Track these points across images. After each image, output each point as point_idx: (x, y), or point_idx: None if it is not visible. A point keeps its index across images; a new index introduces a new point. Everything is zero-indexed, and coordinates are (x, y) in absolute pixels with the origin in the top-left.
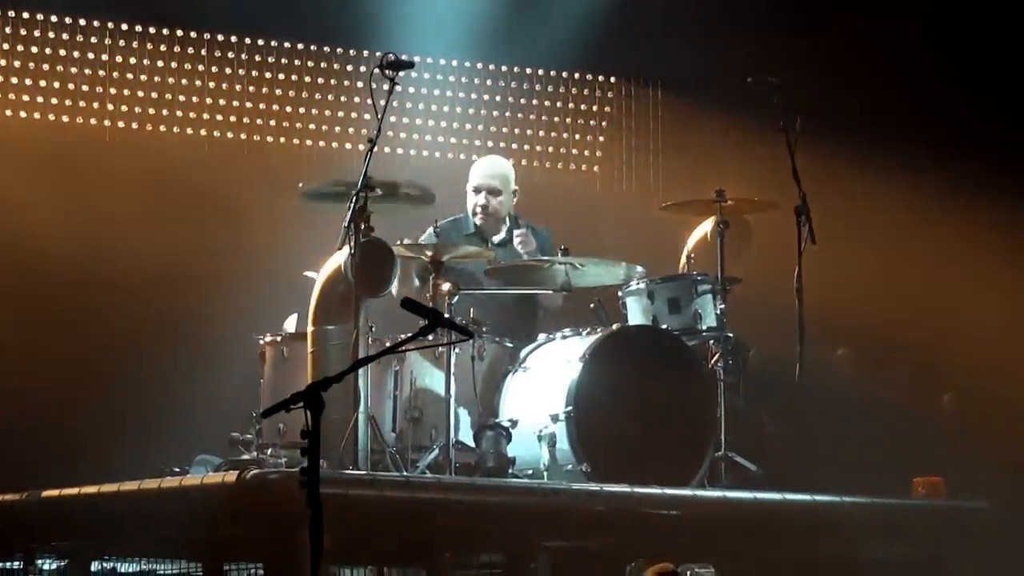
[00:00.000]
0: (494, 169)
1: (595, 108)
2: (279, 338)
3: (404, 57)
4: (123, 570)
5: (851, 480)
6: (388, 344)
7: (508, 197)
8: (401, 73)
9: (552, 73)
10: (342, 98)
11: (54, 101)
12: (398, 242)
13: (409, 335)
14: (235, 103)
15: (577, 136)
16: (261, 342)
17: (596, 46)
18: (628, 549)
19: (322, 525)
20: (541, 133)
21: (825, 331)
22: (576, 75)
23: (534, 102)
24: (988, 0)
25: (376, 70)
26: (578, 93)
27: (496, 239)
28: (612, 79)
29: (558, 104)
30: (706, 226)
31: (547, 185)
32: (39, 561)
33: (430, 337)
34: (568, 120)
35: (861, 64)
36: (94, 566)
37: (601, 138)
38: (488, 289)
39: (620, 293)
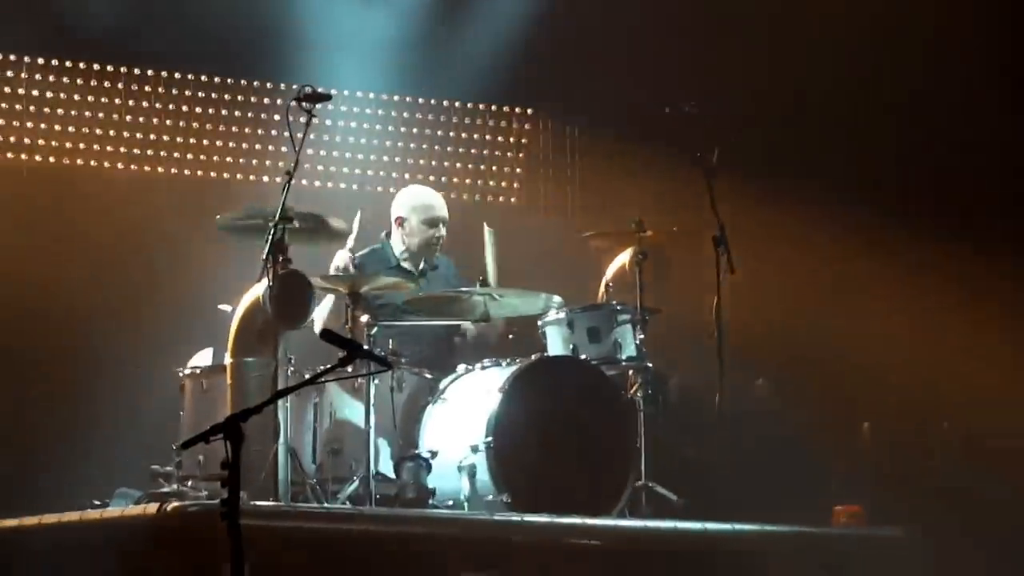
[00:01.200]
0: (441, 199)
1: (512, 139)
2: (198, 371)
3: (321, 90)
4: None
5: (772, 509)
6: (308, 376)
7: None
8: (319, 105)
9: (469, 105)
10: (259, 131)
11: None
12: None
13: (328, 367)
14: (152, 136)
15: (495, 167)
16: (181, 375)
17: (513, 78)
18: None
19: (243, 556)
20: (459, 165)
21: (745, 360)
22: (493, 107)
23: (451, 134)
24: (905, 20)
25: (293, 102)
26: (495, 125)
27: (419, 270)
28: (529, 111)
29: (475, 136)
30: (624, 256)
31: (465, 216)
32: None
33: (349, 368)
34: (485, 152)
35: (778, 92)
36: None
37: (519, 169)
38: (406, 320)
39: (539, 323)
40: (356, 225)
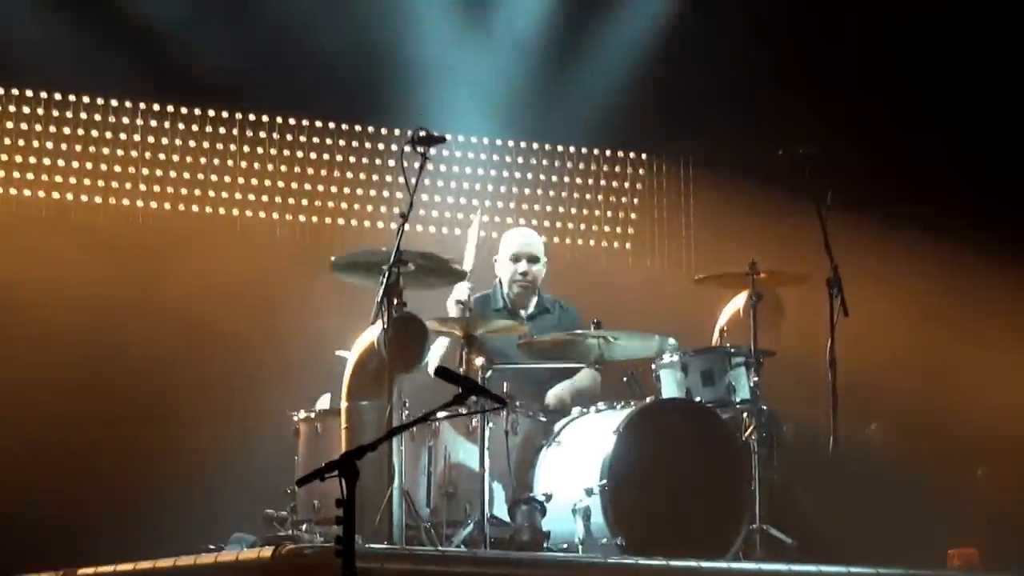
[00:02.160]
0: (530, 237)
1: (626, 184)
2: (313, 414)
3: (435, 133)
4: None
5: (886, 552)
6: None
7: (542, 266)
8: (432, 149)
9: (583, 150)
10: (374, 176)
11: (87, 182)
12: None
13: (443, 404)
14: (267, 182)
15: (609, 213)
16: (295, 419)
17: (626, 122)
18: None
19: None
20: (572, 210)
21: (858, 403)
22: (607, 152)
23: (565, 179)
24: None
25: (408, 145)
26: (609, 170)
27: (526, 313)
28: (643, 155)
29: (589, 181)
30: (738, 300)
31: (579, 262)
32: None
33: (464, 410)
34: (599, 197)
35: (892, 133)
36: None
37: (633, 214)
38: (521, 363)
39: (653, 366)
40: (473, 233)
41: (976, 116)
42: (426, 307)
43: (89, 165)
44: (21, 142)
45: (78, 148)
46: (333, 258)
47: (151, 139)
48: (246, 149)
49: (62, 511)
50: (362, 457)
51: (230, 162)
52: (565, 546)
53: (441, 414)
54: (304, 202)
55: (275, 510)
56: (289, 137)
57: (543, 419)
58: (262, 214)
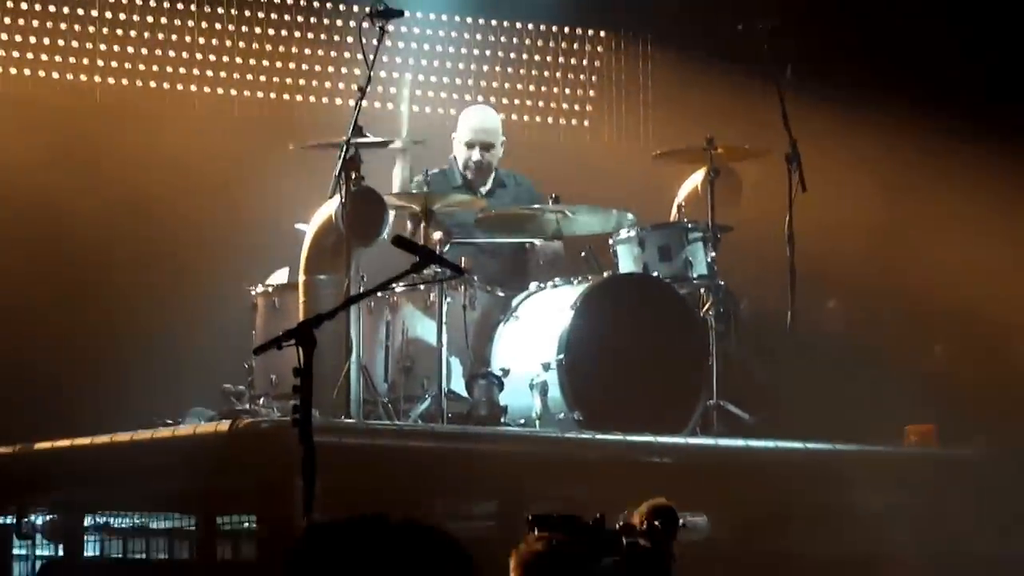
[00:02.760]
0: (487, 123)
1: (584, 61)
2: (271, 288)
3: (393, 7)
4: (116, 524)
5: (843, 428)
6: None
7: (499, 149)
8: (391, 23)
9: (541, 27)
10: (332, 52)
11: (43, 57)
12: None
13: (401, 272)
14: (225, 58)
15: (567, 90)
16: (253, 293)
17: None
18: (621, 497)
19: (315, 463)
20: (531, 87)
21: (817, 280)
22: (565, 29)
23: (523, 56)
24: None
25: (366, 20)
26: (567, 47)
27: (484, 189)
28: (601, 32)
29: (547, 58)
30: (696, 177)
31: (537, 138)
32: (32, 515)
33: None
34: (557, 74)
35: (853, 8)
36: (87, 520)
37: (591, 92)
38: (479, 238)
39: (611, 241)
40: (404, 101)
41: None
42: (384, 181)
43: (46, 40)
44: None
45: (35, 23)
46: (291, 146)
47: (108, 15)
48: (204, 25)
49: (18, 386)
50: (319, 326)
51: (187, 38)
52: (522, 421)
53: (399, 284)
54: (263, 78)
55: (232, 385)
56: (247, 13)
57: (501, 294)
58: (220, 90)
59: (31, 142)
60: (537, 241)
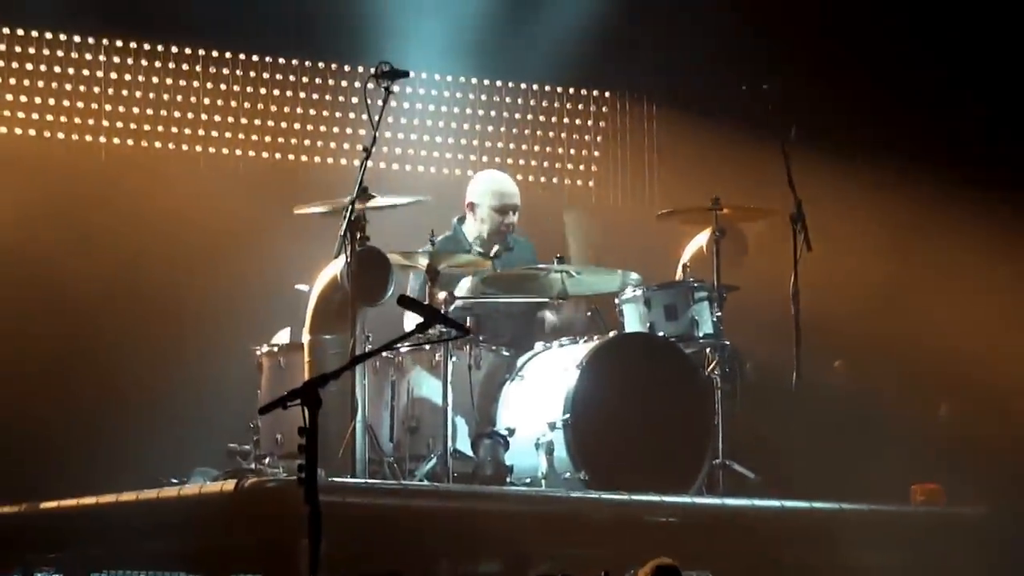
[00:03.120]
0: (510, 187)
1: (589, 122)
2: (276, 348)
3: (398, 68)
4: None
5: (849, 488)
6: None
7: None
8: (396, 84)
9: (547, 88)
10: (337, 113)
11: (49, 118)
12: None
13: (406, 332)
14: (230, 119)
15: (572, 151)
16: (258, 353)
17: (589, 60)
18: (626, 557)
19: (321, 523)
20: (536, 148)
21: (822, 338)
22: (571, 90)
23: (528, 116)
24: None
25: (371, 80)
26: (572, 107)
27: (492, 252)
28: (606, 93)
29: (552, 119)
30: (701, 238)
31: (542, 199)
32: (37, 574)
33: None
34: (563, 135)
35: (855, 69)
36: None
37: (596, 152)
38: (484, 297)
39: (616, 301)
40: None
41: (939, 49)
42: (389, 241)
43: (52, 101)
44: None
45: (40, 84)
46: (296, 210)
47: (114, 75)
48: (209, 86)
49: (24, 446)
50: (325, 385)
51: (193, 99)
52: (528, 480)
53: (405, 344)
54: (267, 138)
55: (238, 444)
56: (252, 74)
57: (506, 353)
58: (225, 150)
59: (35, 201)
60: (549, 314)
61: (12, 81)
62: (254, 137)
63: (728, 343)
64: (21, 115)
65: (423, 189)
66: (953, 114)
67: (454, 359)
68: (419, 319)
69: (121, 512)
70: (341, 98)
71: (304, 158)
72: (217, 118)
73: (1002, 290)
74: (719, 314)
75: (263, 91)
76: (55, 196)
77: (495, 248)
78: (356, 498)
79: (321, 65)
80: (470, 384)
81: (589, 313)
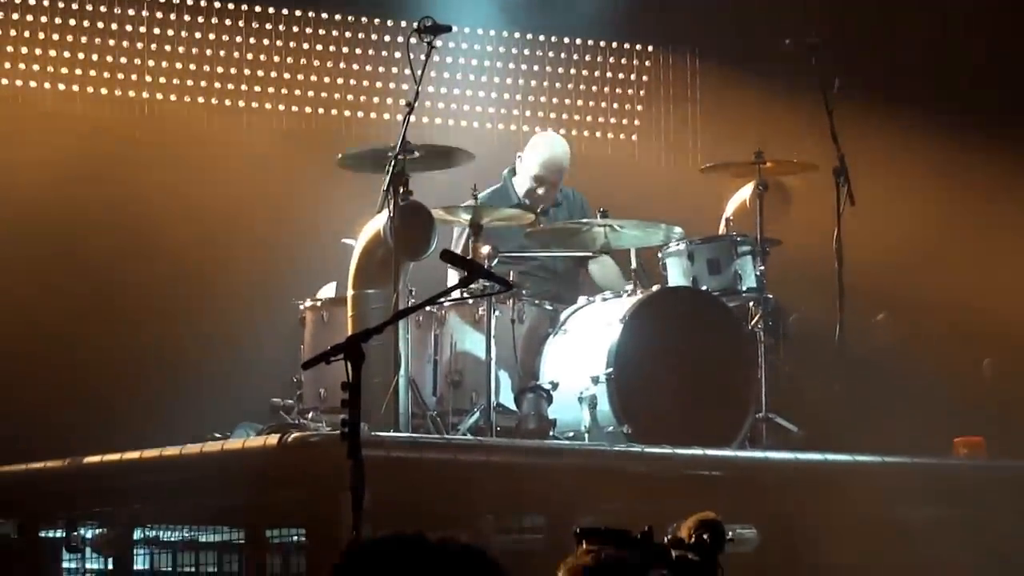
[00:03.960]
0: (558, 160)
1: (632, 76)
2: (319, 303)
3: (441, 22)
4: (165, 538)
5: (891, 441)
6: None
7: (562, 180)
8: (438, 39)
9: (589, 42)
10: (380, 68)
11: (92, 73)
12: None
13: (448, 287)
14: (273, 74)
15: (615, 104)
16: (301, 307)
17: (632, 14)
18: (669, 511)
19: (363, 477)
20: (579, 102)
21: (865, 293)
22: (613, 44)
23: (571, 71)
24: None
25: (413, 35)
26: (615, 62)
27: (539, 209)
28: (649, 47)
29: (595, 73)
30: (745, 192)
31: (585, 153)
32: (81, 529)
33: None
34: (606, 89)
35: (900, 22)
36: (136, 534)
37: (639, 106)
38: (526, 252)
39: (659, 255)
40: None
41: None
42: (432, 195)
43: (95, 56)
44: (27, 33)
45: (83, 40)
46: (339, 155)
47: (156, 30)
48: (252, 41)
49: (68, 401)
50: (368, 340)
51: (236, 53)
52: (571, 434)
53: (448, 298)
54: (310, 93)
55: (281, 398)
56: (295, 29)
57: (549, 307)
58: (268, 105)
59: (78, 157)
60: (594, 268)
61: (55, 37)
62: (297, 92)
63: (771, 297)
64: (64, 71)
65: (465, 144)
66: (1004, 66)
67: (497, 313)
68: (462, 273)
69: (164, 467)
70: (384, 53)
71: (347, 112)
72: (260, 73)
73: None
74: (762, 268)
75: (306, 46)
76: (99, 152)
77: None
78: (399, 452)
79: (364, 20)
80: (513, 338)
81: (632, 268)
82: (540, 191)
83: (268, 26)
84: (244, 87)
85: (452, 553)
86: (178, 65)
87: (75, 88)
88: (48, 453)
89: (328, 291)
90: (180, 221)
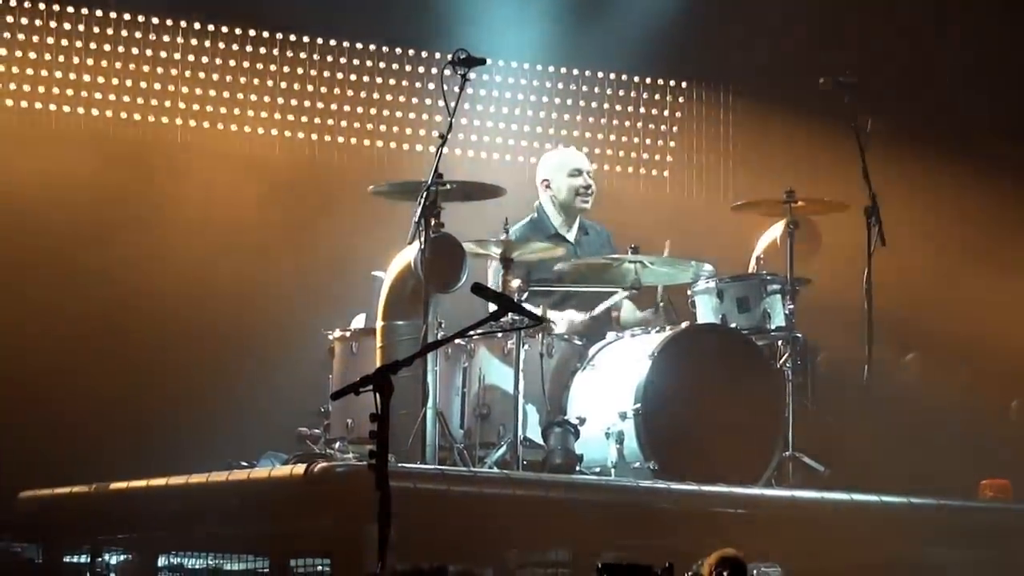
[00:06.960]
0: (577, 155)
1: (665, 112)
2: (348, 333)
3: (475, 55)
4: (189, 565)
5: (918, 481)
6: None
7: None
8: (472, 71)
9: (623, 77)
10: (413, 99)
11: (126, 99)
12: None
13: (479, 320)
14: (306, 103)
15: (648, 140)
16: (330, 337)
17: (666, 50)
18: (695, 548)
19: (390, 507)
20: (612, 137)
21: (894, 333)
22: (647, 79)
23: (605, 105)
24: None
25: (448, 67)
26: (648, 97)
27: (571, 236)
28: (683, 83)
29: (628, 108)
30: (775, 230)
31: (617, 188)
32: (105, 555)
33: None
34: (639, 124)
35: (933, 64)
36: (160, 560)
37: (672, 142)
38: (557, 286)
39: (689, 292)
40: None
41: (1019, 44)
42: (463, 228)
43: (128, 83)
44: (61, 58)
45: (118, 65)
46: (371, 187)
47: (191, 58)
48: (286, 70)
49: (95, 427)
50: (396, 372)
51: (269, 82)
52: (598, 470)
53: (477, 332)
54: (343, 123)
55: (308, 428)
56: (330, 58)
57: (578, 342)
58: (301, 135)
59: (110, 181)
60: (625, 306)
61: (90, 62)
62: (329, 121)
63: (800, 336)
64: (98, 96)
65: (497, 176)
66: None
67: (526, 347)
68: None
69: (190, 494)
70: (418, 84)
71: (379, 143)
72: (294, 102)
73: None
74: (792, 307)
75: (340, 76)
76: (132, 178)
77: (576, 224)
78: (426, 484)
79: (398, 51)
80: (541, 372)
81: (661, 304)
82: (579, 181)
83: (302, 55)
84: (277, 116)
85: None
86: (212, 93)
87: (108, 114)
88: (74, 478)
89: (358, 322)
90: (215, 249)
